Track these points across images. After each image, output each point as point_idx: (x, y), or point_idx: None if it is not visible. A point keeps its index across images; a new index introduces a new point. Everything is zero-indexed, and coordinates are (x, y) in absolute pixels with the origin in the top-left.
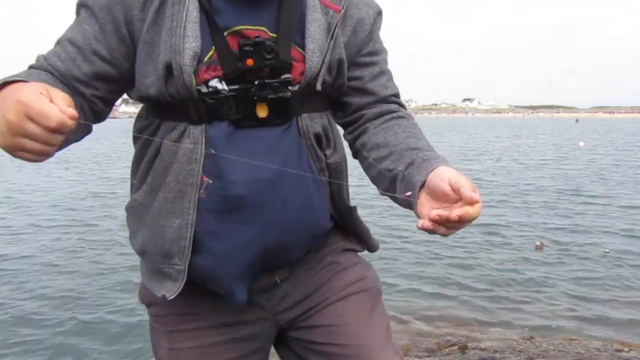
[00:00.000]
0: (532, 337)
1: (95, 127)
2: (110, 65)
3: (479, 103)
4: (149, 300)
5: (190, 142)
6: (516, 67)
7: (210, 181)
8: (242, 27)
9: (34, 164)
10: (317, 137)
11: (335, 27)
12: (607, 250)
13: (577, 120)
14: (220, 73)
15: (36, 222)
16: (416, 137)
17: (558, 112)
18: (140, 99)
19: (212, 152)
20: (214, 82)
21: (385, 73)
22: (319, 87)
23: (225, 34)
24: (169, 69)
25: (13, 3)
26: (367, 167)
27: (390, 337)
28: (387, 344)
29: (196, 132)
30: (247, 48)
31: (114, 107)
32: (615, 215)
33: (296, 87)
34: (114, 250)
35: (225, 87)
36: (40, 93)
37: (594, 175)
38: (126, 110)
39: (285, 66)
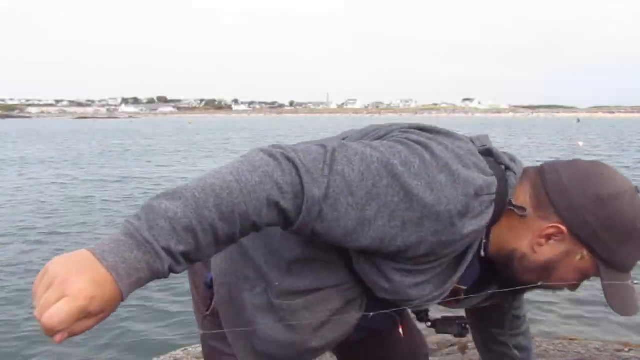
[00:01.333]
0: (531, 337)
1: (93, 128)
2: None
3: (479, 103)
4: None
5: (360, 312)
6: (516, 67)
7: None
8: (461, 287)
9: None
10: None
11: (493, 290)
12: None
13: (578, 120)
14: None
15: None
16: None
17: (558, 112)
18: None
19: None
20: None
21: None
22: None
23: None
24: (408, 300)
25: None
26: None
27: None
28: (415, 328)
29: (364, 304)
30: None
31: (114, 108)
32: None
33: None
34: None
35: None
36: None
37: None
38: (126, 110)
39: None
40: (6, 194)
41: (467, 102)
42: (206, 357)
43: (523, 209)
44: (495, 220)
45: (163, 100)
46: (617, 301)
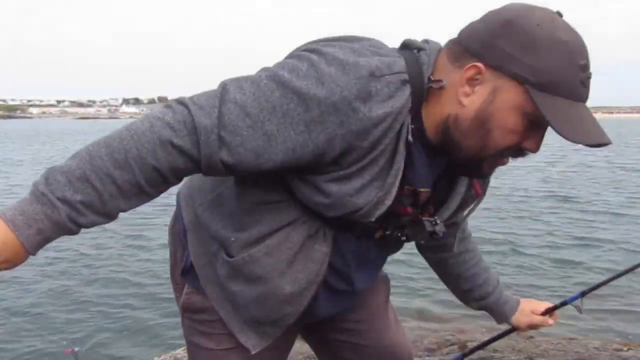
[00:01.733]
0: (531, 337)
1: (95, 128)
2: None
3: None
4: (200, 307)
5: (327, 246)
6: None
7: (327, 274)
8: (421, 189)
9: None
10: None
11: (472, 207)
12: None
13: None
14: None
15: None
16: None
17: None
18: (276, 180)
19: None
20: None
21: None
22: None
23: (405, 187)
24: (357, 210)
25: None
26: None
27: (398, 318)
28: (398, 324)
29: (330, 235)
30: (430, 229)
31: (115, 108)
32: (613, 215)
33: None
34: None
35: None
36: None
37: (592, 180)
38: (127, 110)
39: (435, 236)
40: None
41: None
42: (189, 355)
43: (439, 81)
44: (419, 100)
45: (164, 100)
46: (566, 126)
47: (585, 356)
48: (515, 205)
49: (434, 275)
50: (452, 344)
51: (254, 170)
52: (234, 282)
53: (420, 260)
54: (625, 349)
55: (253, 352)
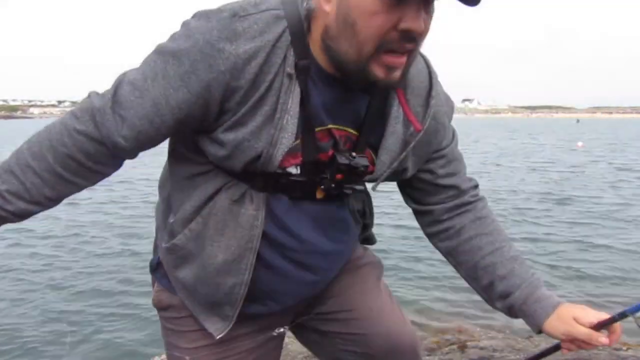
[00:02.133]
0: (530, 336)
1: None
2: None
3: (479, 103)
4: (167, 304)
5: (254, 209)
6: (515, 68)
7: (270, 245)
8: (331, 126)
9: None
10: (360, 211)
11: (412, 144)
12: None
13: (578, 121)
14: (299, 161)
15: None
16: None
17: (557, 112)
18: (197, 151)
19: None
20: (291, 169)
21: (453, 161)
22: (376, 187)
23: (316, 129)
24: (259, 155)
25: None
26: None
27: (398, 304)
28: (394, 308)
29: (258, 199)
30: (342, 167)
31: None
32: (613, 216)
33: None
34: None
35: (299, 172)
36: None
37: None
38: None
39: (359, 170)
40: None
41: (467, 103)
42: (167, 356)
43: (309, 7)
44: (300, 33)
45: None
46: None
47: (584, 355)
48: (510, 206)
49: (434, 274)
50: (452, 344)
51: (155, 136)
52: (177, 270)
53: (420, 259)
54: (624, 348)
55: (217, 336)
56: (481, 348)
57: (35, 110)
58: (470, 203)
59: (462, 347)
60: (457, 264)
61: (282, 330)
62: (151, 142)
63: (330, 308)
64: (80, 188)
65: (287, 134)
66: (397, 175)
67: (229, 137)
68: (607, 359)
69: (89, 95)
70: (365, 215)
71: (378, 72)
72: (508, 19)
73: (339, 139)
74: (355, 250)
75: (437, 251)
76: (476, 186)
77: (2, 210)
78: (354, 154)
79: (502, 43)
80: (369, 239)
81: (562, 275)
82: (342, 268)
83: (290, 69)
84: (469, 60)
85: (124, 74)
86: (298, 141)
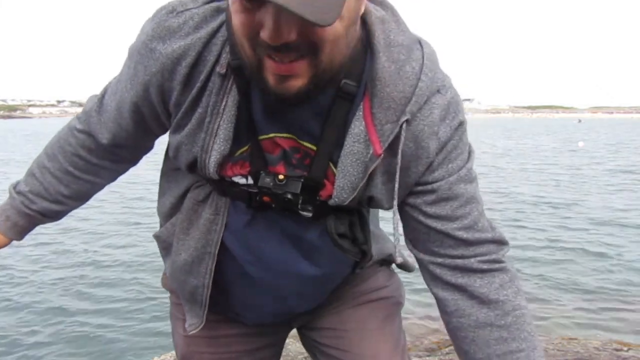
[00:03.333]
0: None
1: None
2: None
3: (479, 103)
4: (170, 288)
5: (212, 213)
6: (516, 68)
7: (229, 255)
8: (275, 135)
9: None
10: (343, 235)
11: (372, 170)
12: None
13: (579, 121)
14: (246, 171)
15: None
16: None
17: (557, 112)
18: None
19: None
20: (237, 179)
21: (450, 200)
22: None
23: (260, 138)
24: (195, 161)
25: None
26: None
27: (402, 351)
28: (393, 356)
29: (220, 203)
30: (265, 190)
31: None
32: (613, 215)
33: (318, 203)
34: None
35: (250, 182)
36: None
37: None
38: None
39: (317, 185)
40: None
41: (467, 103)
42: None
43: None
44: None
45: None
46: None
47: (585, 356)
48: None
49: None
50: (452, 344)
51: (129, 137)
52: (163, 259)
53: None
54: (625, 349)
55: (188, 331)
56: None
57: (35, 110)
58: (478, 271)
59: None
60: (462, 353)
61: (278, 338)
62: (134, 142)
63: (323, 339)
64: (94, 185)
65: (220, 140)
66: (370, 204)
67: (172, 139)
68: (607, 359)
69: (89, 98)
70: (356, 240)
71: (269, 79)
72: (509, 18)
73: (289, 152)
74: (376, 279)
75: None
76: (498, 244)
77: (30, 210)
78: (281, 176)
79: (503, 42)
80: (388, 260)
81: (560, 280)
82: (344, 296)
83: (221, 68)
84: (470, 59)
85: (115, 77)
86: (245, 148)
